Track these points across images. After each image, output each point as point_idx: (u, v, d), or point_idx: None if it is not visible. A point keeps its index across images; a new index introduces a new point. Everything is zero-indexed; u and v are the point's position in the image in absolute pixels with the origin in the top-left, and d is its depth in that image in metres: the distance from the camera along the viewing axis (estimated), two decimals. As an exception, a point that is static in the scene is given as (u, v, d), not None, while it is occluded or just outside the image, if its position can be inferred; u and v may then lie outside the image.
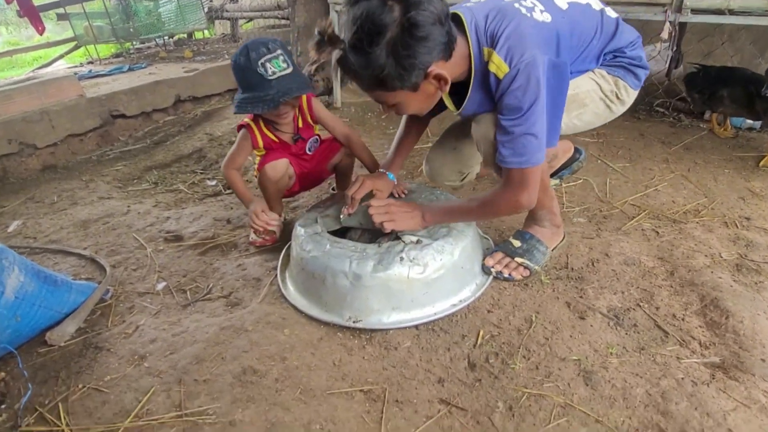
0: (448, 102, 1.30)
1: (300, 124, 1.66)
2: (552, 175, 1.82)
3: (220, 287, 1.53)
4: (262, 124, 1.63)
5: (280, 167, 1.65)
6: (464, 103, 1.23)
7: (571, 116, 1.34)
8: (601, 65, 1.32)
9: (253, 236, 1.76)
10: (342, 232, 1.47)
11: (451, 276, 1.33)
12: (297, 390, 1.10)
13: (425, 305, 1.30)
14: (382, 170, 1.56)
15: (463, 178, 1.64)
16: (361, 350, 1.22)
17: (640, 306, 1.28)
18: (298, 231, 1.45)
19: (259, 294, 1.46)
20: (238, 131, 1.64)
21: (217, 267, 1.65)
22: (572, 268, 1.44)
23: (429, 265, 1.28)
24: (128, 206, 2.15)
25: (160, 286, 1.57)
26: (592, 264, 1.44)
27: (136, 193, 2.37)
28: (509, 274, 1.39)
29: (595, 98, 1.33)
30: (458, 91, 1.23)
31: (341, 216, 1.46)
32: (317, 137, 1.74)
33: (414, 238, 1.32)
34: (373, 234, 1.42)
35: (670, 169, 2.07)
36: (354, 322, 1.28)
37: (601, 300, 1.31)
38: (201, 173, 2.54)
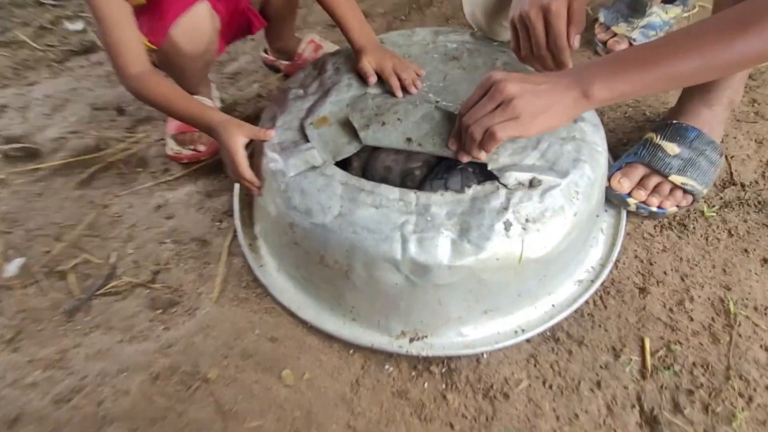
0: None
1: None
2: None
3: (133, 263, 0.84)
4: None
5: (203, 25, 0.84)
6: None
7: None
8: None
9: (174, 146, 0.99)
10: (352, 162, 0.75)
11: (582, 237, 0.72)
12: None
13: (538, 298, 0.71)
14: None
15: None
16: (439, 405, 0.66)
17: None
18: (275, 163, 0.72)
19: (213, 278, 0.80)
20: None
21: (118, 215, 0.92)
22: (743, 184, 0.86)
23: (556, 228, 0.65)
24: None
25: (12, 267, 0.85)
26: None
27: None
28: (659, 207, 0.80)
29: None
30: None
31: (368, 87, 0.77)
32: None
33: (524, 177, 0.65)
34: (420, 162, 0.72)
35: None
36: (412, 340, 0.69)
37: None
38: (54, 7, 1.50)
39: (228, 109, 1.10)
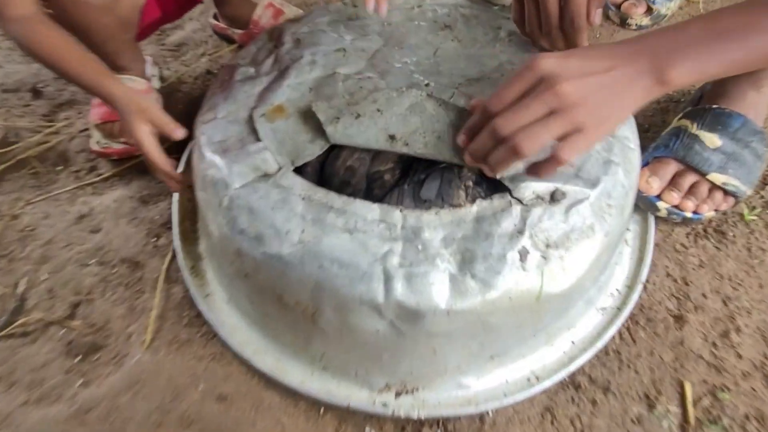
0: None
1: None
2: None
3: (47, 292, 0.66)
4: None
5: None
6: None
7: None
8: None
9: (101, 138, 0.80)
10: (321, 165, 0.58)
11: (610, 258, 0.57)
12: None
13: (555, 335, 0.57)
14: None
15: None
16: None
17: None
18: (214, 171, 0.54)
19: (147, 313, 0.63)
20: None
21: (30, 228, 0.73)
22: (785, 179, 0.73)
23: (584, 253, 0.50)
24: None
25: None
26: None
27: None
28: (694, 212, 0.66)
29: None
30: None
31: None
32: None
33: (544, 188, 0.50)
34: (391, 163, 0.56)
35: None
36: (399, 394, 0.54)
37: None
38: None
39: (170, 89, 0.91)
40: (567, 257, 0.49)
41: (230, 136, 0.56)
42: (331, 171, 0.54)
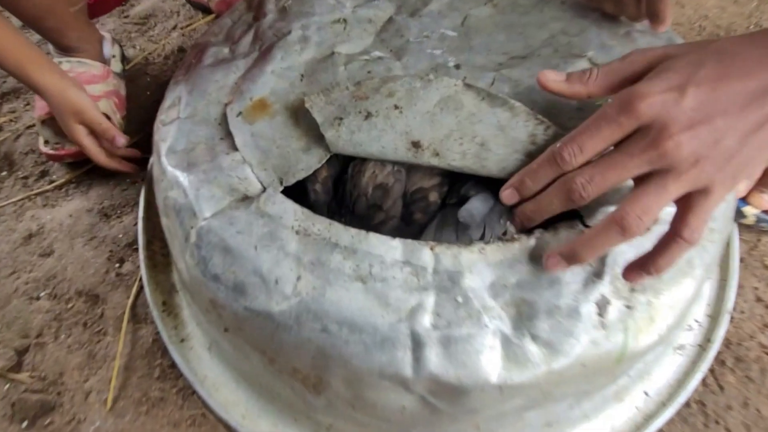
0: None
1: None
2: None
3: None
4: None
5: None
6: None
7: None
8: None
9: (51, 137, 0.65)
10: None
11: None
12: None
13: (628, 390, 0.45)
14: None
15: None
16: None
17: None
18: (176, 193, 0.40)
19: (110, 361, 0.50)
20: None
21: (-34, 253, 0.61)
22: None
23: (679, 294, 0.37)
24: None
25: None
26: None
27: None
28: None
29: None
30: None
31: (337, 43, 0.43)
32: None
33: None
34: (439, 177, 0.42)
35: None
36: (430, 473, 0.43)
37: None
38: None
39: (136, 72, 0.76)
40: (657, 303, 0.36)
41: (197, 143, 0.42)
42: (352, 190, 0.40)
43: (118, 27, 0.82)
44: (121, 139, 0.55)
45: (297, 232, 0.37)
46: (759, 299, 0.51)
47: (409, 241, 0.36)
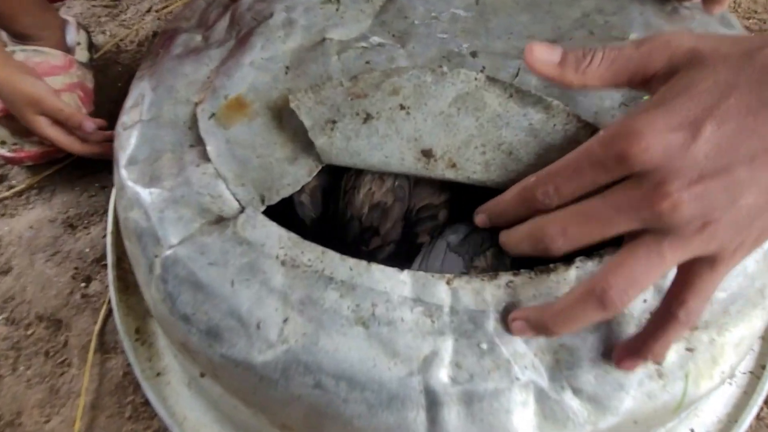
0: None
1: None
2: None
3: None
4: None
5: None
6: None
7: None
8: None
9: (8, 137, 0.58)
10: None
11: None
12: None
13: (673, 429, 0.39)
14: None
15: None
16: None
17: None
18: (138, 215, 0.33)
19: (74, 399, 0.44)
20: None
21: None
22: None
23: (746, 331, 0.31)
24: None
25: None
26: None
27: None
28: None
29: None
30: None
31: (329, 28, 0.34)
32: None
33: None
34: (445, 195, 0.35)
35: None
36: None
37: None
38: None
39: (106, 61, 0.68)
40: (720, 341, 0.30)
41: (162, 151, 0.35)
42: (345, 209, 0.33)
43: (85, 11, 0.73)
44: (90, 123, 0.49)
45: (283, 263, 0.30)
46: (814, 317, 0.45)
47: (421, 273, 0.29)
